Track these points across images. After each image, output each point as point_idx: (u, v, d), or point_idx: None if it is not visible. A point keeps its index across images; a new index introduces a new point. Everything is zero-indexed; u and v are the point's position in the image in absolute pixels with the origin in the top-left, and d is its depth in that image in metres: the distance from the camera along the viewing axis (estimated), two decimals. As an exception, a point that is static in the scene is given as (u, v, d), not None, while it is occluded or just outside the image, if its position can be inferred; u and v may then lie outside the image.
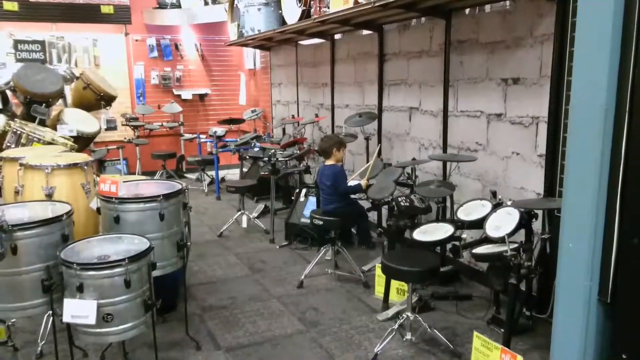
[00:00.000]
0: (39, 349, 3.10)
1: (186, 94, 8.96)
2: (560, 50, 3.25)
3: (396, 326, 3.18)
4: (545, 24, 3.39)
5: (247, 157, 6.73)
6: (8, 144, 4.71)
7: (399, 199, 3.68)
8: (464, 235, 3.34)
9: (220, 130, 7.51)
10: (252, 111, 8.11)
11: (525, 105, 3.62)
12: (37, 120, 5.40)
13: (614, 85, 1.71)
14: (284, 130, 7.50)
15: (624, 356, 1.78)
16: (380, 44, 5.19)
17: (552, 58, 3.30)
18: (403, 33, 4.90)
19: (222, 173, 7.99)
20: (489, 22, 3.87)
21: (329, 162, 4.33)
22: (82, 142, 5.62)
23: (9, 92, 6.23)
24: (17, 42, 7.46)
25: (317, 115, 6.64)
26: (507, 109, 3.78)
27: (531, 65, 3.54)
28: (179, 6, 8.40)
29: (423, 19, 4.58)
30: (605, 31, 1.69)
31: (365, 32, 5.46)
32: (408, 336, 3.20)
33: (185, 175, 8.73)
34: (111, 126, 8.29)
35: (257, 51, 8.62)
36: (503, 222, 3.05)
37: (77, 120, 5.78)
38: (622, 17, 1.67)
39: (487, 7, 3.89)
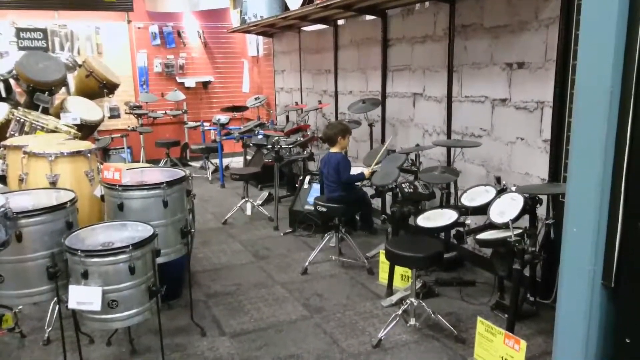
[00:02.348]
0: (46, 335, 3.14)
1: (189, 82, 8.94)
2: (565, 33, 3.21)
3: (400, 312, 3.20)
4: (551, 7, 3.34)
5: (251, 144, 6.72)
6: (12, 132, 4.71)
7: (403, 185, 3.67)
8: (467, 221, 3.34)
9: (223, 118, 7.50)
10: (256, 98, 8.08)
11: (530, 90, 3.59)
12: (40, 109, 5.40)
13: (620, 68, 1.69)
14: (287, 117, 7.48)
15: (627, 340, 1.78)
16: (384, 29, 5.14)
17: (558, 42, 3.26)
18: (407, 18, 4.85)
19: (226, 161, 7.99)
20: (494, 5, 3.82)
21: (334, 149, 4.31)
22: (86, 130, 5.62)
23: (12, 81, 6.23)
24: (19, 31, 7.43)
25: (320, 102, 6.61)
26: (512, 94, 3.75)
27: (536, 49, 3.50)
28: (181, -7, 8.35)
29: (427, 3, 4.52)
30: (611, 13, 1.66)
31: (369, 17, 5.41)
32: (412, 322, 3.22)
33: (190, 163, 8.75)
34: (114, 114, 8.27)
35: (260, 38, 8.57)
36: (507, 208, 3.04)
37: (81, 108, 5.77)
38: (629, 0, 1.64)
39: (492, -9, 3.85)
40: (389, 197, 4.22)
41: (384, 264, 3.87)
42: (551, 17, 3.35)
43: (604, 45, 1.70)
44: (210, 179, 7.70)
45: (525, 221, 3.12)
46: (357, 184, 4.45)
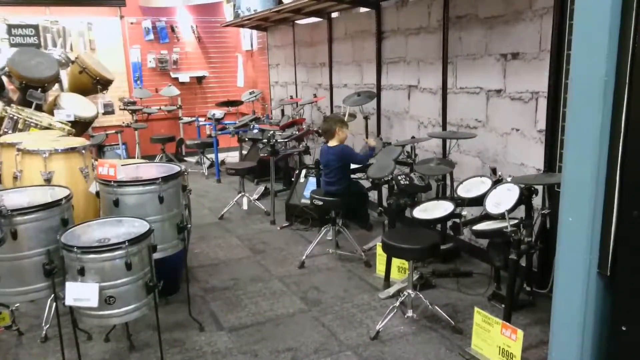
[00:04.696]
0: (44, 332, 3.13)
1: (183, 77, 8.89)
2: (560, 23, 3.20)
3: (397, 304, 3.21)
4: (545, -3, 3.34)
5: (247, 139, 6.71)
6: (5, 130, 4.67)
7: (399, 178, 3.68)
8: (464, 213, 3.34)
9: (218, 112, 7.46)
10: (251, 93, 8.06)
11: (524, 80, 3.59)
12: (33, 106, 5.36)
13: (614, 57, 1.69)
14: (282, 111, 7.46)
15: (623, 328, 1.79)
16: (378, 22, 5.12)
17: (552, 31, 3.26)
18: (401, 9, 4.83)
19: (221, 156, 7.97)
20: (488, -4, 3.82)
21: (332, 142, 4.28)
22: (80, 126, 5.58)
23: (4, 78, 6.18)
24: (10, 27, 7.37)
25: (315, 96, 6.60)
26: (507, 84, 3.75)
27: (531, 39, 3.49)
28: (174, -13, 8.29)
29: (421, -6, 4.51)
30: (605, 3, 1.66)
31: (363, 9, 5.40)
32: (409, 313, 3.23)
33: (185, 158, 8.72)
34: (109, 110, 8.24)
35: (254, 32, 8.52)
36: (503, 199, 3.04)
37: (74, 105, 5.73)
38: (622, -12, 1.64)
39: (486, -19, 3.83)
40: (385, 189, 4.22)
41: (381, 256, 3.88)
42: (545, 6, 3.34)
43: (597, 34, 1.69)
44: (206, 174, 7.69)
45: (521, 211, 3.13)
46: (353, 176, 4.46)
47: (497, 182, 3.28)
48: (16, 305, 3.22)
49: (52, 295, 2.64)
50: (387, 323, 3.15)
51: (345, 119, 4.70)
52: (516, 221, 2.95)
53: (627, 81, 1.67)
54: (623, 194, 1.72)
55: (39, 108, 5.45)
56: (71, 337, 2.64)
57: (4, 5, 7.45)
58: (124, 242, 2.40)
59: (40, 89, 5.57)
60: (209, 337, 3.16)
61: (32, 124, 4.69)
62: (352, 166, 4.39)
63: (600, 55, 1.69)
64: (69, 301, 2.37)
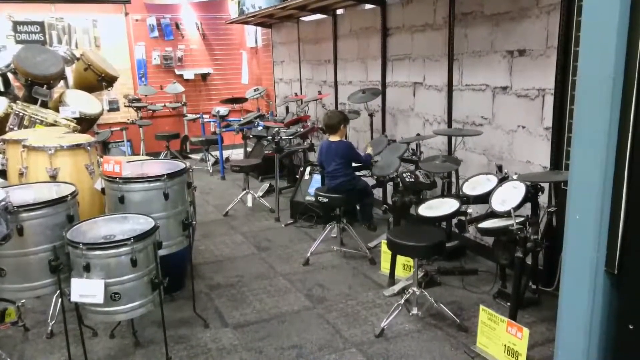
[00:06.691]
0: (49, 328, 3.15)
1: (188, 74, 8.90)
2: (567, 20, 3.18)
3: (402, 301, 3.20)
4: (552, -7, 3.32)
5: (251, 136, 6.71)
6: (11, 127, 4.69)
7: (404, 175, 3.67)
8: (469, 210, 3.33)
9: (223, 109, 7.48)
10: (255, 90, 8.05)
11: (531, 77, 3.57)
12: (39, 102, 5.38)
13: (622, 55, 1.67)
14: (287, 108, 7.46)
15: (630, 327, 1.78)
16: (383, 18, 5.10)
17: (559, 28, 3.24)
18: (406, 6, 4.81)
19: (226, 153, 7.98)
20: (494, -8, 3.79)
21: (335, 137, 4.28)
22: (85, 123, 5.60)
23: (10, 75, 6.20)
24: (16, 24, 7.39)
25: (320, 93, 6.59)
26: (513, 81, 3.73)
27: (537, 36, 3.47)
28: (178, -16, 8.29)
29: (426, -9, 4.49)
30: (614, -2, 1.65)
31: (368, 6, 5.37)
32: (414, 311, 3.22)
33: (190, 155, 8.74)
34: (113, 107, 8.23)
35: (259, 29, 8.52)
36: (509, 196, 3.03)
37: (79, 102, 5.75)
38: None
39: (492, -22, 3.81)
40: (390, 187, 4.22)
41: (385, 254, 3.87)
42: (552, 3, 3.32)
43: (606, 31, 1.68)
44: (210, 171, 7.70)
45: (527, 209, 3.12)
46: (357, 173, 4.45)
47: (503, 180, 3.26)
48: (22, 301, 3.23)
49: (58, 292, 2.64)
50: (391, 320, 3.15)
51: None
52: (522, 219, 2.94)
53: (635, 79, 1.65)
54: (631, 191, 1.71)
55: (44, 105, 5.46)
56: (77, 333, 2.65)
57: (10, 2, 7.47)
58: (129, 239, 2.40)
59: (45, 86, 5.58)
60: (214, 333, 3.17)
61: (37, 121, 4.71)
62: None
63: (608, 52, 1.68)
64: (74, 297, 2.38)
